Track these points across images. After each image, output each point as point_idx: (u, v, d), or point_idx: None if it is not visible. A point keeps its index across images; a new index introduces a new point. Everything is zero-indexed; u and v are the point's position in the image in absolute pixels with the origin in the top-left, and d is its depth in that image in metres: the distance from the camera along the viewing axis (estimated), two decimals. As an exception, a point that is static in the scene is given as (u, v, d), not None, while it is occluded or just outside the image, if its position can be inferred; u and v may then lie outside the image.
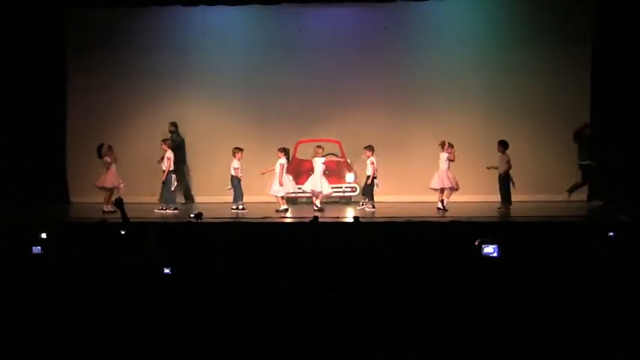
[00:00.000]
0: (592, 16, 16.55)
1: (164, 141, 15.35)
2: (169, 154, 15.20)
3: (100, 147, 15.41)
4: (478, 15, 17.05)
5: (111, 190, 15.21)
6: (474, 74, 17.06)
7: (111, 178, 15.27)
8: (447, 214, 14.44)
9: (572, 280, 6.38)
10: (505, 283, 6.08)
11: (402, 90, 17.32)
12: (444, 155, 14.95)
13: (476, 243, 7.02)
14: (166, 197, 15.21)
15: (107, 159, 15.30)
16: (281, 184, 15.01)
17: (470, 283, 6.01)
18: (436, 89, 17.19)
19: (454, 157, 14.96)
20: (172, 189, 15.21)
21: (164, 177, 15.17)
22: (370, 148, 15.35)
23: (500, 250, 6.83)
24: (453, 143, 15.02)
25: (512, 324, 5.37)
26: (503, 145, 15.05)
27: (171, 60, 17.53)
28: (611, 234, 8.65)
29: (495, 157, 15.08)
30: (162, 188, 15.28)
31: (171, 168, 15.15)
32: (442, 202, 14.94)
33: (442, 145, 15.01)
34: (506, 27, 17.05)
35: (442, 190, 15.01)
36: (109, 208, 14.75)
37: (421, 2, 16.65)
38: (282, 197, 15.17)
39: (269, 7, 16.87)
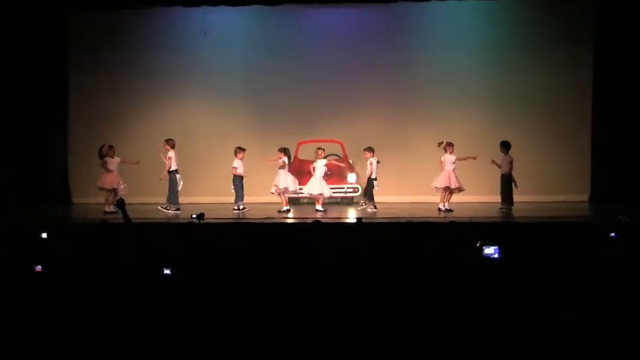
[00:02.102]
0: (593, 16, 16.54)
1: (167, 141, 15.32)
2: (171, 153, 15.18)
3: (101, 148, 15.40)
4: (479, 15, 17.05)
5: (111, 191, 15.20)
6: (474, 75, 17.08)
7: (111, 178, 15.26)
8: (449, 214, 14.44)
9: (575, 281, 6.37)
10: (506, 283, 6.08)
11: (404, 90, 17.34)
12: (450, 157, 14.91)
13: (477, 244, 7.01)
14: (170, 197, 15.18)
15: (107, 159, 15.29)
16: (279, 183, 15.03)
17: (471, 284, 6.01)
18: (437, 90, 17.20)
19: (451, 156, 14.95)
20: (178, 189, 15.17)
21: (162, 175, 15.13)
22: (370, 149, 15.34)
23: (501, 251, 6.81)
24: (452, 142, 15.00)
25: (513, 324, 5.37)
26: (505, 146, 15.01)
27: (173, 60, 17.58)
28: (612, 235, 8.63)
29: (497, 157, 15.06)
30: (169, 188, 15.24)
31: (173, 168, 15.12)
32: (444, 203, 14.92)
33: (440, 144, 14.97)
34: (507, 27, 17.06)
35: (446, 190, 14.96)
36: (110, 208, 14.75)
37: (422, 3, 16.65)
38: (285, 197, 15.16)
39: (270, 8, 16.88)
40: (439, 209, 14.83)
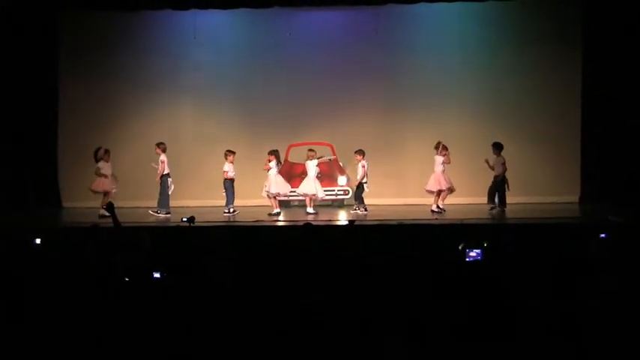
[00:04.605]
0: (582, 18, 16.57)
1: (158, 145, 15.32)
2: (163, 157, 15.19)
3: (97, 150, 15.40)
4: (469, 17, 17.01)
5: (106, 194, 15.17)
6: (464, 77, 17.07)
7: (104, 182, 15.25)
8: (441, 216, 14.45)
9: (564, 282, 6.38)
10: (495, 285, 6.09)
11: (394, 93, 17.33)
12: (439, 158, 14.90)
13: (459, 247, 7.03)
14: (161, 201, 15.18)
15: (102, 163, 15.28)
16: (270, 186, 15.02)
17: (455, 286, 6.03)
18: (427, 92, 17.19)
19: (449, 159, 14.93)
20: (169, 193, 15.18)
21: (158, 178, 15.14)
22: (361, 152, 15.34)
23: (484, 254, 6.83)
24: (447, 145, 15.00)
25: (502, 325, 5.38)
26: (497, 147, 15.03)
27: (163, 64, 17.52)
28: (602, 235, 8.65)
29: (489, 158, 15.08)
30: (159, 191, 15.25)
31: (166, 171, 15.13)
32: (437, 204, 14.92)
33: (437, 147, 14.98)
34: (496, 29, 17.06)
35: (439, 193, 14.97)
36: (105, 212, 14.70)
37: (412, 5, 16.62)
38: (275, 200, 15.14)
39: (260, 11, 16.82)
40: (432, 211, 14.81)
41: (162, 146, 15.31)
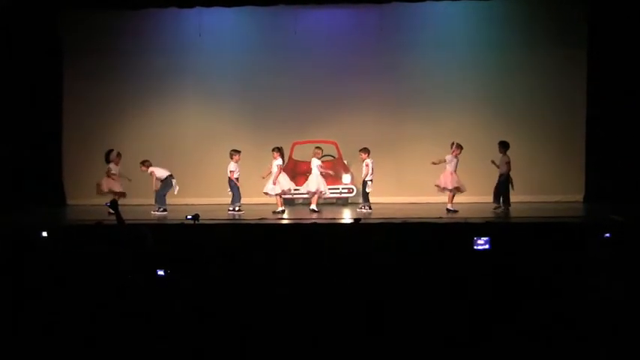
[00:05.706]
0: (587, 18, 16.55)
1: (142, 163, 15.38)
2: (150, 169, 15.28)
3: (109, 152, 15.50)
4: (474, 16, 17.03)
5: (118, 195, 15.24)
6: (470, 76, 17.08)
7: (115, 183, 15.36)
8: (454, 215, 14.40)
9: (568, 281, 6.40)
10: (499, 282, 6.11)
11: (399, 91, 17.34)
12: (449, 157, 14.84)
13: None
14: (157, 198, 15.24)
15: (112, 165, 15.37)
16: (274, 184, 14.99)
17: (463, 279, 6.04)
18: (432, 91, 17.21)
19: (452, 158, 14.82)
20: (165, 192, 15.23)
21: (155, 187, 15.22)
22: (366, 150, 15.31)
23: (491, 242, 6.81)
24: (461, 144, 14.89)
25: (506, 323, 5.39)
26: (503, 146, 14.98)
27: (168, 62, 17.57)
28: (606, 235, 8.65)
29: (494, 158, 15.06)
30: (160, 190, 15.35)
31: (164, 175, 15.18)
32: (451, 203, 14.84)
33: (451, 145, 14.88)
34: (503, 29, 17.06)
35: (450, 191, 14.88)
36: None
37: (417, 3, 16.62)
38: (280, 198, 15.14)
39: (265, 9, 16.85)
40: (447, 210, 14.70)
41: (146, 163, 15.38)
